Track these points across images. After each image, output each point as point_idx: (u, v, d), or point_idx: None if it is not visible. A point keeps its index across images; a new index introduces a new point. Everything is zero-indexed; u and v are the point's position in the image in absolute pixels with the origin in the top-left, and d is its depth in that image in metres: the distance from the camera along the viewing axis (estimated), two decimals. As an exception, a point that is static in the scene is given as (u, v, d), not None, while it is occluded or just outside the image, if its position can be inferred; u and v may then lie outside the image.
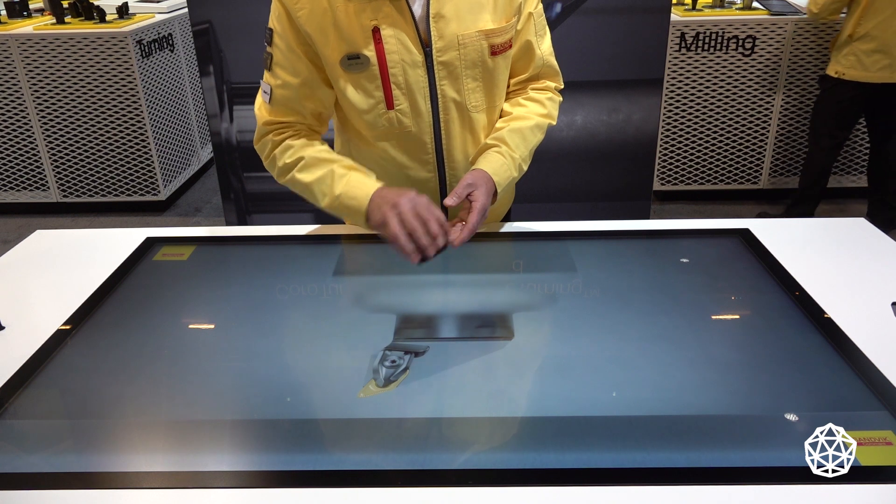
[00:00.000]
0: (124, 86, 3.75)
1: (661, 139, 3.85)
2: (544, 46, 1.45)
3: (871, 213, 3.63)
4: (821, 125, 3.49)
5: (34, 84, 3.75)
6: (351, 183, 1.27)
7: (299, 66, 1.31)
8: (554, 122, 1.46)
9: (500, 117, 1.44)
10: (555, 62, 1.48)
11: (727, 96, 3.75)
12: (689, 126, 3.83)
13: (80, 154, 3.92)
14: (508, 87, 1.46)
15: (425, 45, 1.29)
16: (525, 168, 1.41)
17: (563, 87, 1.52)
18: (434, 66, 1.30)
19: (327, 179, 1.29)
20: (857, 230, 1.52)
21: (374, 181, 1.27)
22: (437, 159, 1.40)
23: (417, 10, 1.27)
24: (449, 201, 1.26)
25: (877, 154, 3.54)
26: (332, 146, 1.42)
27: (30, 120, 3.83)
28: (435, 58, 1.30)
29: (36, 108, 3.80)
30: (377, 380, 1.05)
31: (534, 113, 1.42)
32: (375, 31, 1.26)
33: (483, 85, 1.36)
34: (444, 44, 1.29)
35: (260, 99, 1.37)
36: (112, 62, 3.70)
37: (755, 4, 3.73)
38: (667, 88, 3.72)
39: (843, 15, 3.32)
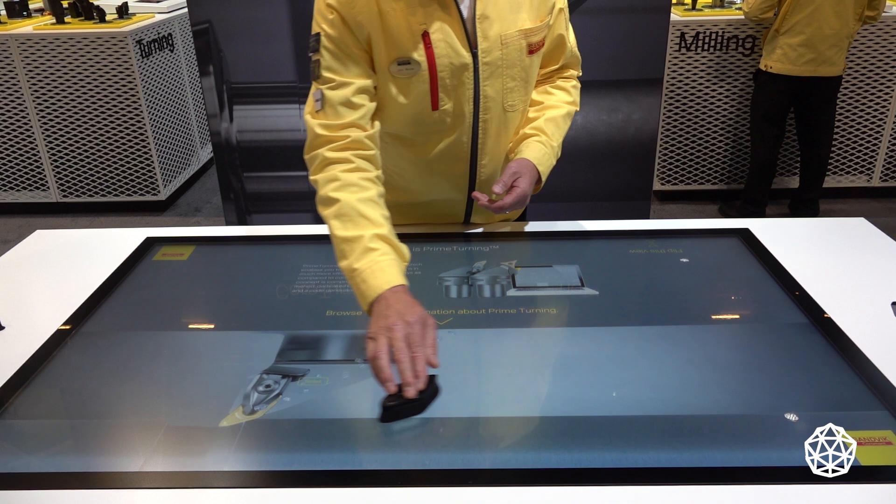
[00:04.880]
0: (124, 86, 3.75)
1: (661, 139, 3.85)
2: (571, 38, 1.48)
3: (792, 208, 3.78)
4: (759, 120, 3.56)
5: (34, 84, 3.75)
6: (373, 265, 1.11)
7: (354, 67, 1.27)
8: (578, 108, 1.50)
9: (531, 106, 1.47)
10: (577, 52, 1.51)
11: (727, 96, 3.75)
12: (689, 126, 3.83)
13: (79, 154, 3.92)
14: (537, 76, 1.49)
15: (472, 47, 1.29)
16: (559, 155, 1.44)
17: (581, 74, 1.55)
18: (479, 66, 1.31)
19: (354, 244, 1.14)
20: (857, 230, 1.52)
21: (396, 273, 1.11)
22: (471, 157, 1.41)
23: (464, 11, 1.27)
24: (497, 188, 1.30)
25: (808, 157, 3.63)
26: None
27: (30, 120, 3.83)
28: (480, 59, 1.30)
29: (36, 108, 3.80)
30: (245, 406, 1.02)
31: (563, 101, 1.46)
32: (425, 36, 1.26)
33: (520, 84, 1.38)
34: (488, 44, 1.30)
35: (310, 107, 1.28)
36: (112, 62, 3.70)
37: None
38: (667, 88, 3.72)
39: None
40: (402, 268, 1.14)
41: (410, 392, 0.97)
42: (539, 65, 1.42)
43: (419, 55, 1.27)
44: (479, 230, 1.54)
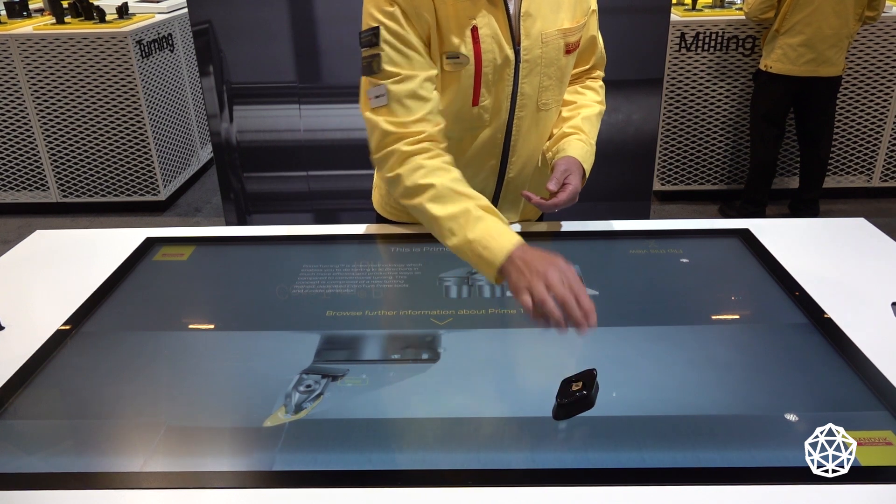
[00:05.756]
0: (124, 86, 3.75)
1: (661, 139, 3.85)
2: (600, 40, 1.50)
3: (792, 208, 3.77)
4: (759, 120, 3.56)
5: (34, 84, 3.75)
6: (489, 230, 1.13)
7: (418, 58, 1.25)
8: (605, 107, 1.52)
9: (564, 105, 1.48)
10: (604, 53, 1.53)
11: (727, 96, 3.75)
12: (689, 126, 3.83)
13: (79, 154, 3.92)
14: None
15: (515, 44, 1.30)
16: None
17: (605, 75, 1.56)
18: (520, 63, 1.31)
19: (461, 218, 1.15)
20: (857, 230, 1.51)
21: (512, 233, 1.13)
22: (503, 154, 1.42)
23: (511, 7, 1.28)
24: (551, 185, 1.30)
25: (808, 157, 3.62)
26: None
27: (30, 120, 3.83)
28: (522, 56, 1.31)
29: (36, 108, 3.80)
30: (287, 406, 1.02)
31: (594, 101, 1.49)
32: (474, 30, 1.26)
33: (555, 84, 1.38)
34: (530, 42, 1.30)
35: (368, 104, 1.25)
36: (112, 62, 3.70)
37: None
38: (667, 88, 3.72)
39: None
40: (513, 233, 1.13)
41: (584, 327, 0.98)
42: (573, 65, 1.43)
43: (467, 49, 1.27)
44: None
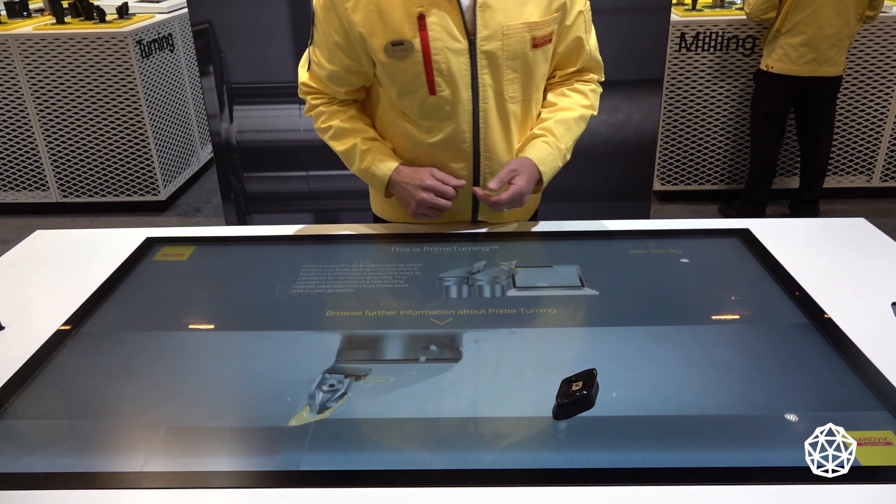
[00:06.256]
0: (124, 86, 3.75)
1: (661, 139, 3.85)
2: (592, 42, 1.49)
3: (792, 208, 3.78)
4: (760, 120, 3.56)
5: (34, 84, 3.75)
6: (373, 160, 1.42)
7: (334, 56, 1.38)
8: (596, 113, 1.52)
9: (545, 107, 1.48)
10: (599, 56, 1.52)
11: (727, 96, 3.75)
12: (689, 126, 3.83)
13: (79, 154, 3.92)
14: (554, 77, 1.51)
15: (470, 34, 1.31)
16: (568, 157, 1.46)
17: (604, 79, 1.56)
18: (477, 54, 1.33)
19: (352, 152, 1.44)
20: (857, 230, 1.52)
21: (392, 160, 1.42)
22: (474, 148, 1.42)
23: (465, 0, 1.30)
24: (491, 184, 1.36)
25: (808, 157, 3.63)
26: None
27: (30, 120, 3.83)
28: (479, 47, 1.32)
29: (36, 108, 3.80)
30: (312, 405, 1.02)
31: (578, 104, 1.47)
32: (421, 18, 1.29)
33: (521, 77, 1.38)
34: (488, 33, 1.31)
35: (304, 58, 1.48)
36: (112, 62, 3.70)
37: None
38: (667, 88, 3.72)
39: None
40: (392, 157, 1.44)
41: (452, 193, 1.39)
42: (546, 60, 1.42)
43: (413, 37, 1.30)
44: (482, 230, 1.54)
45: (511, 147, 1.45)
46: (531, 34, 1.34)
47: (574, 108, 1.46)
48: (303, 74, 1.48)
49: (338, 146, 1.46)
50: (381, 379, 1.06)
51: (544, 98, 1.50)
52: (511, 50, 1.34)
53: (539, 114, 1.48)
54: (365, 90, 1.48)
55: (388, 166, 1.42)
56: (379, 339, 1.17)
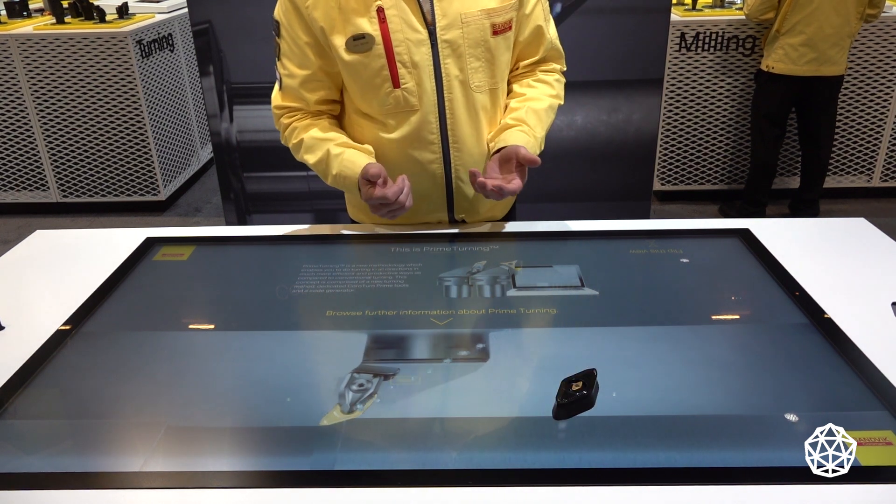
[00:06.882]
0: (124, 86, 3.75)
1: (661, 139, 3.85)
2: (552, 30, 1.49)
3: (792, 208, 3.79)
4: (760, 120, 3.56)
5: (34, 84, 3.75)
6: (344, 164, 1.39)
7: (305, 59, 1.38)
8: (562, 102, 1.51)
9: (512, 97, 1.48)
10: (559, 45, 1.52)
11: (727, 96, 3.75)
12: (689, 126, 3.83)
13: (79, 154, 3.92)
14: (518, 69, 1.51)
15: (429, 24, 1.33)
16: (542, 148, 1.45)
17: (566, 69, 1.56)
18: (438, 44, 1.34)
19: (325, 161, 1.41)
20: (857, 230, 1.51)
21: (365, 157, 1.38)
22: (443, 139, 1.43)
23: None
24: (494, 169, 1.36)
25: (809, 157, 3.63)
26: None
27: (30, 120, 3.83)
28: (439, 36, 1.33)
29: (36, 108, 3.80)
30: (342, 405, 1.02)
31: (545, 94, 1.47)
32: (380, 11, 1.30)
33: (485, 65, 1.39)
34: (447, 22, 1.33)
35: (275, 86, 1.47)
36: (112, 62, 3.70)
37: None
38: (667, 88, 3.72)
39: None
40: (364, 155, 1.39)
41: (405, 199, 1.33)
42: (508, 48, 1.43)
43: (373, 30, 1.31)
44: (482, 230, 1.54)
45: (480, 138, 1.46)
46: (490, 20, 1.35)
47: (542, 98, 1.46)
48: (275, 98, 1.47)
49: (311, 158, 1.43)
50: (408, 378, 1.07)
51: (509, 90, 1.51)
52: (472, 38, 1.35)
53: (507, 105, 1.49)
54: (339, 105, 1.49)
55: (356, 171, 1.38)
56: (377, 339, 1.17)
